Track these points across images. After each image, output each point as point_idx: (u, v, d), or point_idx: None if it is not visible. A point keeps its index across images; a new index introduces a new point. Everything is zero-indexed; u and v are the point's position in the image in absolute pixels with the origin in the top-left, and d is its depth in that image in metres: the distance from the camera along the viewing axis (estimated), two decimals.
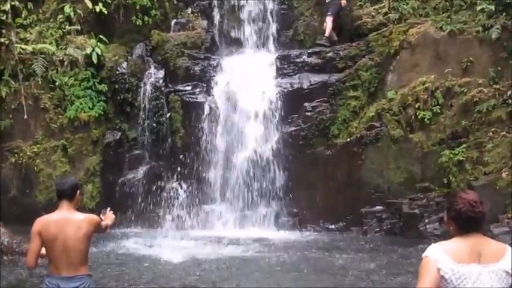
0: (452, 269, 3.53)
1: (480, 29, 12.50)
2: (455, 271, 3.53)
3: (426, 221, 11.91)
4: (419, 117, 12.59)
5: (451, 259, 3.54)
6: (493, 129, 12.04)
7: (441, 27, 12.88)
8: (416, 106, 12.62)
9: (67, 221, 5.07)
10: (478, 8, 12.76)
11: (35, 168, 13.42)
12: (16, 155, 13.41)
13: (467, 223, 3.61)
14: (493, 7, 12.56)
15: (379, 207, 12.72)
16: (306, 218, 13.23)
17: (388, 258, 10.36)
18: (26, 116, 13.39)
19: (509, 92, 12.05)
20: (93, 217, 5.30)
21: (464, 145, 12.22)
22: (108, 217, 5.69)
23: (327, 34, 14.40)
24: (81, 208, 5.40)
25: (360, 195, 12.94)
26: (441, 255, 3.56)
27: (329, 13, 14.46)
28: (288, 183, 13.34)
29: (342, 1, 14.43)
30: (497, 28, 12.22)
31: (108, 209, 5.84)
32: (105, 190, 13.51)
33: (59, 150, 13.50)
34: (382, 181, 12.87)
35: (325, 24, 14.51)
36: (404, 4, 13.73)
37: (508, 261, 3.55)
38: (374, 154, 12.90)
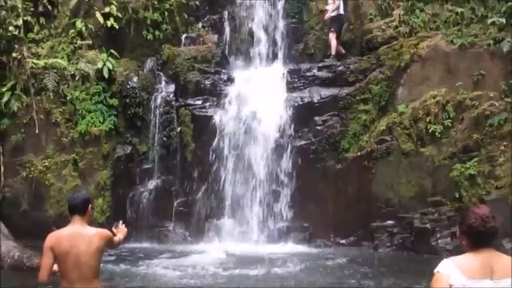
0: (464, 285, 3.51)
1: (491, 42, 12.45)
2: (467, 287, 3.50)
3: (438, 235, 11.81)
4: (430, 130, 12.53)
5: (462, 275, 3.52)
6: (504, 143, 11.95)
7: (452, 41, 12.87)
8: (427, 120, 12.58)
9: (79, 236, 5.05)
10: (489, 21, 12.70)
11: (46, 183, 13.46)
12: (27, 169, 13.46)
13: (479, 238, 3.59)
14: (504, 20, 12.49)
15: (390, 222, 12.63)
16: (317, 233, 13.16)
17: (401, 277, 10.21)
18: (37, 131, 13.46)
19: None
20: (105, 232, 5.28)
21: (475, 159, 12.14)
22: (121, 231, 5.65)
23: (333, 52, 14.48)
24: (91, 222, 5.36)
25: (370, 210, 12.87)
26: (453, 271, 3.54)
27: (332, 29, 14.52)
28: (298, 197, 13.29)
29: (326, 16, 14.48)
30: (509, 41, 12.15)
31: (121, 222, 5.80)
32: (116, 204, 13.53)
33: (69, 164, 13.54)
34: (393, 195, 12.80)
35: (329, 41, 14.53)
36: (414, 17, 13.75)
37: None
38: (385, 168, 12.85)
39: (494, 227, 3.59)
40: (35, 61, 13.75)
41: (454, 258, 3.64)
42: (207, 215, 13.46)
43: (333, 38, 14.47)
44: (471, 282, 3.51)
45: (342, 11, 14.62)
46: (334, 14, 14.51)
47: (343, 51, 14.62)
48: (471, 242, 3.63)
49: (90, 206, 5.29)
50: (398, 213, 12.63)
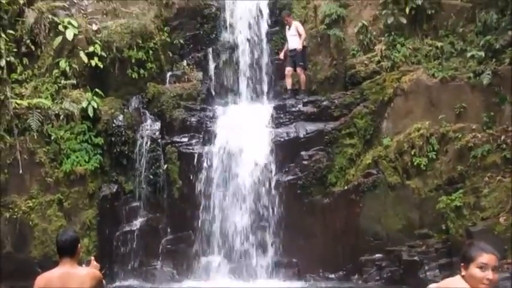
0: None
1: (471, 75, 12.69)
2: None
3: (426, 268, 11.82)
4: (415, 163, 12.63)
5: None
6: (488, 174, 12.08)
7: (433, 74, 13.08)
8: (412, 152, 12.68)
9: (70, 277, 4.98)
10: (468, 54, 13.01)
11: (30, 223, 13.25)
12: (11, 210, 13.25)
13: None
14: (482, 53, 12.80)
15: (378, 255, 12.63)
16: (305, 267, 13.09)
17: None
18: (21, 171, 13.30)
19: (503, 137, 12.16)
20: (96, 272, 5.22)
21: (461, 190, 12.24)
22: (95, 267, 5.52)
23: (303, 87, 14.78)
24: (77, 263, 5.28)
25: (358, 243, 12.87)
26: None
27: (301, 63, 14.75)
28: (286, 232, 13.23)
29: (298, 47, 14.69)
30: (488, 74, 12.42)
31: (92, 258, 5.66)
32: (102, 244, 13.39)
33: (54, 204, 13.39)
34: (381, 228, 12.82)
35: (299, 76, 14.75)
36: (396, 52, 13.96)
37: None
38: (372, 201, 12.88)
39: None
40: (19, 101, 13.68)
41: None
42: (195, 252, 13.35)
43: (302, 73, 14.78)
44: None
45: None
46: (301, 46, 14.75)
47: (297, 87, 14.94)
48: None
49: (79, 246, 5.23)
50: (386, 246, 12.65)
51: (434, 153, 12.55)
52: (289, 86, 14.93)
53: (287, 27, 15.07)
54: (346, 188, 13.13)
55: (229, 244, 13.27)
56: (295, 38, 14.82)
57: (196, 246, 13.38)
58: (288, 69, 14.93)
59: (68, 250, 5.11)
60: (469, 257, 3.82)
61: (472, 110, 12.65)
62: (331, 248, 13.02)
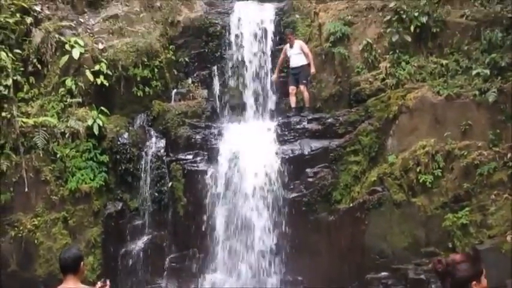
0: None
1: (477, 92, 12.68)
2: None
3: (433, 286, 11.69)
4: (421, 181, 12.57)
5: None
6: (495, 192, 12.02)
7: (438, 92, 13.06)
8: (418, 170, 12.63)
9: None
10: (474, 72, 13.01)
11: (35, 242, 13.24)
12: (16, 228, 13.26)
13: None
14: (488, 71, 12.80)
15: (384, 273, 12.55)
16: (311, 286, 12.99)
17: None
18: (26, 189, 13.32)
19: (509, 155, 12.11)
20: None
21: (467, 208, 12.18)
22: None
23: (307, 104, 14.77)
24: (81, 281, 5.28)
25: (364, 261, 12.79)
26: None
27: (304, 81, 14.80)
28: (291, 250, 13.18)
29: (312, 71, 14.75)
30: (494, 91, 12.41)
31: (108, 283, 5.59)
32: (107, 261, 13.36)
33: (59, 222, 13.39)
34: (387, 246, 12.74)
35: (303, 93, 14.77)
36: (401, 70, 13.97)
37: None
38: (377, 219, 12.81)
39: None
40: (25, 120, 13.73)
41: None
42: (200, 270, 13.31)
43: (305, 90, 14.80)
44: None
45: None
46: (306, 62, 14.80)
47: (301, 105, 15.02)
48: None
49: (82, 263, 5.23)
50: (392, 264, 12.56)
51: (440, 170, 12.50)
52: (293, 105, 14.98)
53: (288, 45, 15.12)
54: (351, 205, 13.08)
55: (234, 262, 13.23)
56: (299, 56, 14.88)
57: (201, 264, 13.34)
58: (292, 88, 14.98)
59: (70, 267, 5.12)
60: (479, 272, 3.86)
61: (477, 128, 12.62)
62: (337, 266, 12.93)
